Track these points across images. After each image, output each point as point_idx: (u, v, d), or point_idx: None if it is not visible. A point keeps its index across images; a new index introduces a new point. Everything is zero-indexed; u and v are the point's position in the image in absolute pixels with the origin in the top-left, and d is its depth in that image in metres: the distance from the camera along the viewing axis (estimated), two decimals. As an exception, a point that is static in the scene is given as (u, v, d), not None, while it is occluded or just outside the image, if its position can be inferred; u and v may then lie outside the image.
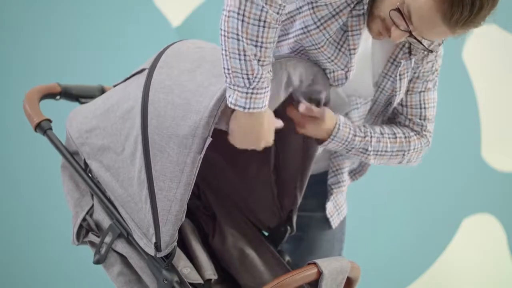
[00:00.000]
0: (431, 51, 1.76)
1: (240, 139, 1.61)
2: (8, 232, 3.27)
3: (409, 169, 3.57)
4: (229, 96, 1.53)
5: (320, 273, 1.57)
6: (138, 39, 3.29)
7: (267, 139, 1.63)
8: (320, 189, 2.03)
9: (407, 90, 1.90)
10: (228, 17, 1.52)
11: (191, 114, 1.51)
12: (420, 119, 1.91)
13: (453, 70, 3.53)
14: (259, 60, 1.52)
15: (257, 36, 1.51)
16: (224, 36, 1.52)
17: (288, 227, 1.89)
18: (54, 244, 3.22)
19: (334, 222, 2.08)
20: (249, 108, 1.54)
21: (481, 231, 3.59)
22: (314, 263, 1.58)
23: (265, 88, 1.54)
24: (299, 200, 1.88)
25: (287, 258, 1.88)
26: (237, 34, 1.51)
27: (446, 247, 3.57)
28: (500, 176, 3.58)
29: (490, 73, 3.58)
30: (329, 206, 2.05)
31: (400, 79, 1.84)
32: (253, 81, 1.52)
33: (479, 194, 3.58)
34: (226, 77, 1.53)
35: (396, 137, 1.89)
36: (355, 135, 1.83)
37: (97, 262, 1.68)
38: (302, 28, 1.74)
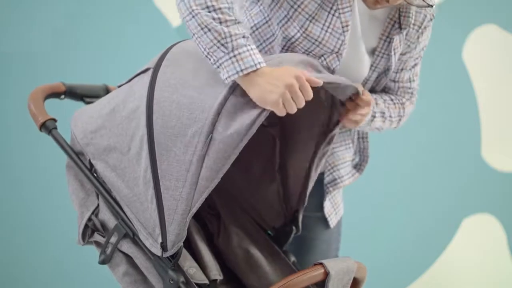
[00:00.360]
0: (431, 6, 1.75)
1: (263, 98, 1.52)
2: (11, 232, 3.27)
3: (409, 169, 3.59)
4: (223, 75, 1.52)
5: (327, 274, 1.57)
6: (138, 39, 3.28)
7: (291, 73, 1.53)
8: (319, 189, 2.04)
9: (401, 69, 1.95)
10: (178, 4, 1.55)
11: (196, 113, 1.51)
12: (409, 89, 1.99)
13: (453, 70, 3.53)
14: (220, 22, 1.51)
15: (206, 2, 1.52)
16: (185, 22, 1.54)
17: (294, 227, 1.89)
18: (59, 244, 3.22)
19: (332, 221, 2.08)
20: (242, 70, 1.50)
21: (481, 231, 3.59)
22: (321, 264, 1.58)
23: (246, 45, 1.51)
24: (306, 200, 1.87)
25: (293, 258, 1.87)
26: (190, 12, 1.53)
27: (446, 247, 3.57)
28: (500, 176, 3.58)
29: (490, 73, 3.58)
30: (327, 205, 2.05)
31: (394, 54, 1.88)
32: (227, 43, 1.50)
33: (479, 194, 3.58)
34: (209, 59, 1.52)
35: (395, 103, 1.97)
36: (375, 98, 1.90)
37: (102, 262, 1.68)
38: (284, 17, 1.76)
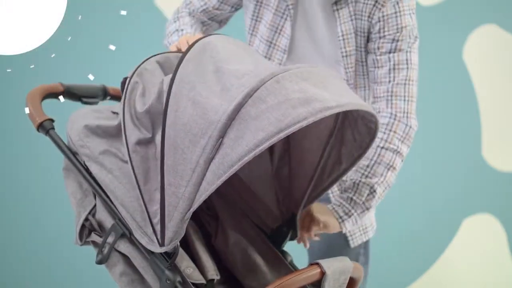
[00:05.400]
0: None
1: None
2: (10, 232, 3.27)
3: (409, 169, 3.59)
4: None
5: (323, 274, 1.56)
6: (138, 39, 3.29)
7: None
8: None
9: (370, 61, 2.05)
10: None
11: (210, 114, 1.48)
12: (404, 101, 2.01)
13: (453, 70, 3.53)
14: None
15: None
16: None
17: (291, 230, 1.88)
18: (57, 244, 3.22)
19: (354, 241, 2.20)
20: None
21: (481, 231, 3.60)
22: (317, 264, 1.57)
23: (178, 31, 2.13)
24: (302, 205, 1.87)
25: (290, 258, 1.87)
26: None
27: (446, 247, 3.57)
28: (500, 176, 3.58)
29: (490, 73, 3.58)
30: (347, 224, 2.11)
31: (340, 24, 2.01)
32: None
33: (479, 194, 3.58)
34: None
35: (374, 162, 1.96)
36: (352, 200, 1.94)
37: (99, 262, 1.68)
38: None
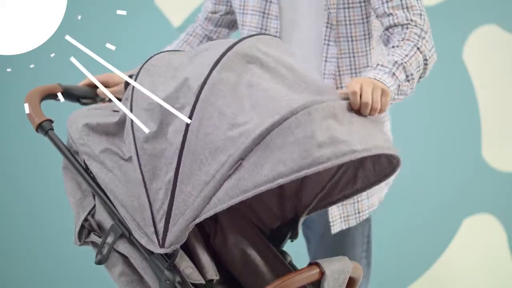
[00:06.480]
0: None
1: None
2: (9, 233, 3.27)
3: (409, 169, 3.58)
4: None
5: (322, 273, 1.57)
6: (138, 39, 3.29)
7: None
8: None
9: None
10: None
11: (235, 131, 1.46)
12: (403, 10, 1.88)
13: (453, 70, 3.53)
14: None
15: None
16: None
17: (291, 231, 1.88)
18: (56, 244, 3.22)
19: (334, 228, 2.14)
20: None
21: (481, 231, 3.59)
22: (316, 263, 1.58)
23: None
24: (307, 211, 1.85)
25: (289, 258, 1.87)
26: None
27: (446, 247, 3.57)
28: (500, 176, 3.58)
29: (490, 73, 3.58)
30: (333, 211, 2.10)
31: None
32: None
33: (479, 194, 3.58)
34: None
35: (410, 52, 1.79)
36: (390, 72, 1.73)
37: (99, 262, 1.68)
38: None
